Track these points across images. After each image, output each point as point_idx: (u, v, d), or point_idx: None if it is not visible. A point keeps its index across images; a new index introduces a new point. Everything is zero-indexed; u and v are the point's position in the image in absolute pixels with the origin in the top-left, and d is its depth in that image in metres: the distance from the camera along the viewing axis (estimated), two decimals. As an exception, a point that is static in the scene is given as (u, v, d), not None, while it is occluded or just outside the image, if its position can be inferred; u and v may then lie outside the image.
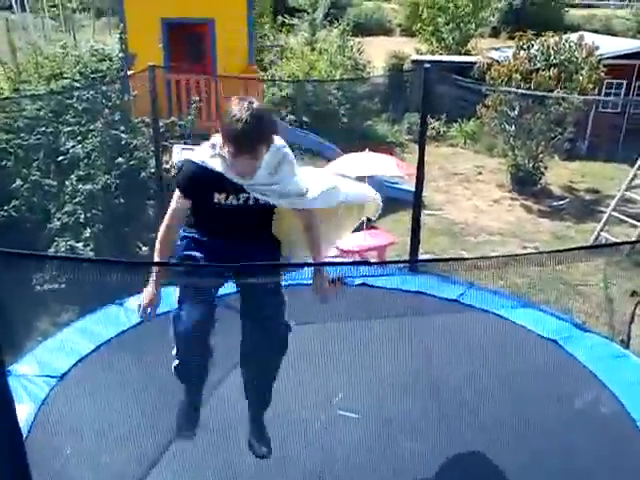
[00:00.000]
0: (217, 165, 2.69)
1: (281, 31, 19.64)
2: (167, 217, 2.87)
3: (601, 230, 10.07)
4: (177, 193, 2.85)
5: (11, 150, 7.41)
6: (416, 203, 6.39)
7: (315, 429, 3.63)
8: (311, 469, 3.41)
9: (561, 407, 3.80)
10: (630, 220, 9.97)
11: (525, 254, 3.00)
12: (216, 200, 2.74)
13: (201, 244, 2.86)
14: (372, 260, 8.39)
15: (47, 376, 3.94)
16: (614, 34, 22.05)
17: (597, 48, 12.22)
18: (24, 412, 3.52)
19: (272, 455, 3.08)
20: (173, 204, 2.85)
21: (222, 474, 3.31)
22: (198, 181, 2.74)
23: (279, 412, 3.24)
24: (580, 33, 13.09)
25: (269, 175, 2.70)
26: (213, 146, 2.75)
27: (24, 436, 2.56)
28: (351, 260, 8.08)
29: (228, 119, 2.53)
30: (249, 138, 2.50)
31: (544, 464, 3.42)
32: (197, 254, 2.81)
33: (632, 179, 9.97)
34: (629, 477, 3.39)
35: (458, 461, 3.45)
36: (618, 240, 9.73)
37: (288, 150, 2.82)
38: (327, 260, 3.41)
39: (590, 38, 12.86)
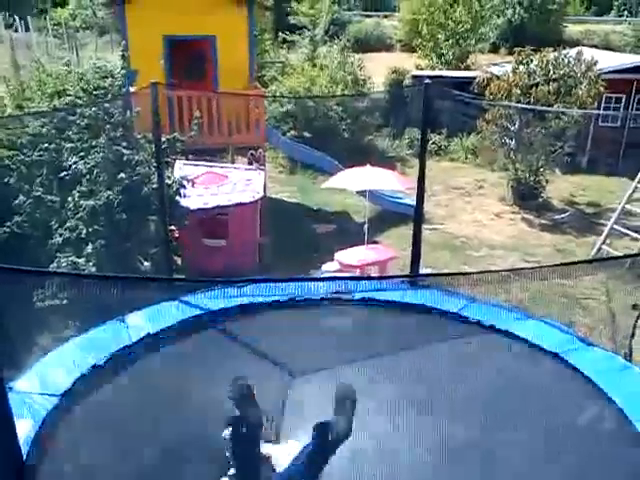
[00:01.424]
0: None
1: (282, 47, 19.82)
2: None
3: (602, 243, 10.07)
4: None
5: (14, 166, 7.45)
6: (417, 217, 6.39)
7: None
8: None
9: (564, 419, 3.77)
10: (631, 233, 9.97)
11: (527, 268, 3.00)
12: None
13: None
14: (373, 275, 8.38)
15: (48, 394, 3.91)
16: (612, 49, 22.21)
17: (596, 63, 12.30)
18: (25, 429, 3.50)
19: None
20: None
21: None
22: None
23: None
24: (579, 48, 13.19)
25: None
26: None
27: (25, 452, 2.55)
28: (352, 275, 8.08)
29: None
30: None
31: (548, 475, 3.39)
32: None
33: (632, 192, 9.99)
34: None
35: (458, 470, 3.42)
36: (620, 253, 9.74)
37: None
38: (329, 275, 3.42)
39: (589, 53, 12.94)
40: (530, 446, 3.60)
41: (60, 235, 7.00)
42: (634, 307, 4.61)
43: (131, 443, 3.47)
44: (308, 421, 3.47)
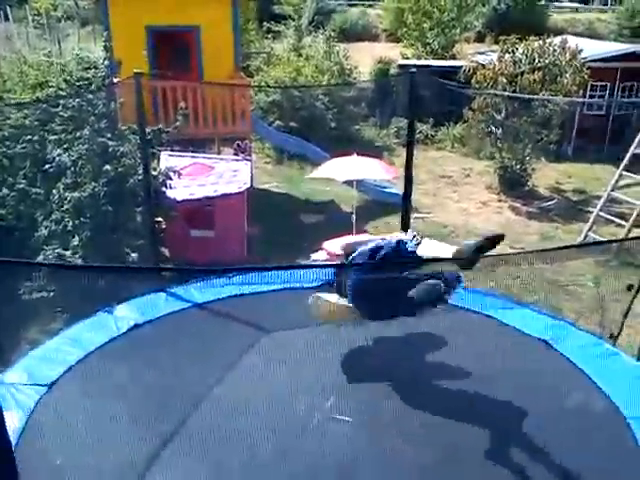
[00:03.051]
0: None
1: (267, 37, 19.71)
2: None
3: (589, 230, 10.14)
4: None
5: (-3, 159, 7.37)
6: (405, 206, 6.40)
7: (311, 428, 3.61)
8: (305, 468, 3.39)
9: (552, 406, 3.80)
10: (617, 220, 10.05)
11: (514, 254, 3.02)
12: None
13: None
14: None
15: (36, 385, 3.89)
16: (597, 37, 22.29)
17: (580, 51, 12.36)
18: (12, 421, 3.47)
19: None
20: None
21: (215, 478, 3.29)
22: None
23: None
24: (563, 36, 13.23)
25: None
26: None
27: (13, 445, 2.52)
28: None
29: None
30: None
31: (536, 461, 3.42)
32: None
33: (618, 179, 10.06)
34: (620, 475, 3.39)
35: (449, 460, 3.45)
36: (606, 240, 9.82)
37: None
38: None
39: (573, 41, 12.99)
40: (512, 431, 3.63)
41: (46, 228, 6.93)
42: (629, 288, 4.64)
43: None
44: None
